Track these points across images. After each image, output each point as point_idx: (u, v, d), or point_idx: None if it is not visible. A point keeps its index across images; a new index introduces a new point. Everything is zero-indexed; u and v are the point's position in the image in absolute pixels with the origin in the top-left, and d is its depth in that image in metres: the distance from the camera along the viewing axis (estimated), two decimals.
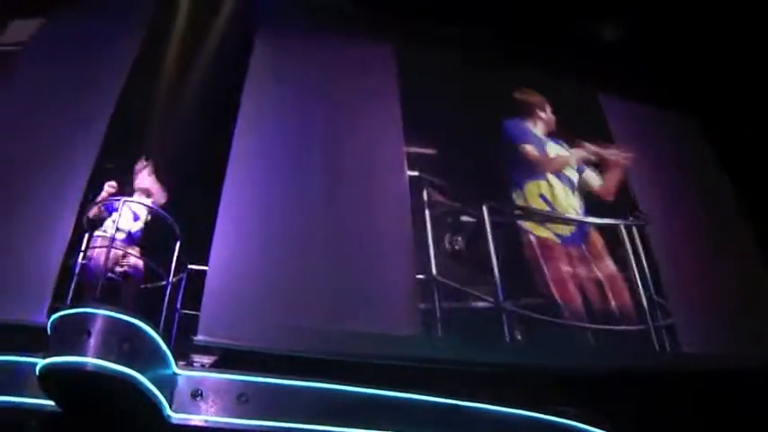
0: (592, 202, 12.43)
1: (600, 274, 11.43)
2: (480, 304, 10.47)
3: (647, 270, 11.64)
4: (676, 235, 12.41)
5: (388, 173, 11.17)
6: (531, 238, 11.44)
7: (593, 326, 10.80)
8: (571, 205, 12.21)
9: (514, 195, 12.00)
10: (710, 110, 14.49)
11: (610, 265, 11.62)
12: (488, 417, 8.78)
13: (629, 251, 11.75)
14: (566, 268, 11.23)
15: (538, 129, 12.92)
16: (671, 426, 10.03)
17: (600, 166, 12.95)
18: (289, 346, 8.77)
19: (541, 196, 12.04)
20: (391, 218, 10.62)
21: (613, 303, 11.17)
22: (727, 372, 10.55)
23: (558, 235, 11.68)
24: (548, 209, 11.95)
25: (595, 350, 10.74)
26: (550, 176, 12.32)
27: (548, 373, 9.86)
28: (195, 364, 8.36)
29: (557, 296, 10.83)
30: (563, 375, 9.88)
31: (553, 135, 12.98)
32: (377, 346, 9.12)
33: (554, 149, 12.70)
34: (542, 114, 13.03)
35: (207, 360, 8.54)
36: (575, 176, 12.56)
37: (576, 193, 12.40)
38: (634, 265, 11.60)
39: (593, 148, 12.97)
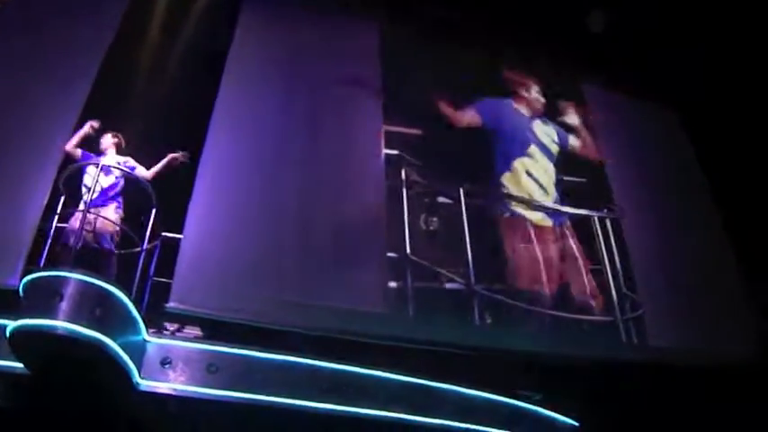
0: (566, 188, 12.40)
1: (572, 260, 11.48)
2: (452, 285, 10.52)
3: (617, 262, 11.67)
4: (648, 228, 12.48)
5: (366, 150, 11.12)
6: (513, 220, 11.47)
7: (562, 314, 10.80)
8: (552, 179, 12.20)
9: (505, 177, 11.95)
10: (690, 104, 14.55)
11: (578, 252, 11.61)
12: (454, 398, 8.91)
13: (602, 243, 11.75)
14: (540, 251, 11.26)
15: (522, 108, 12.87)
16: (635, 416, 10.20)
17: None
18: (259, 317, 8.76)
19: (528, 173, 12.04)
20: (366, 194, 10.60)
21: (585, 291, 11.22)
22: (694, 366, 10.70)
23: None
24: (536, 186, 11.95)
25: (563, 338, 10.77)
26: (533, 150, 12.31)
27: (515, 358, 9.92)
28: (166, 333, 8.37)
29: (527, 282, 10.88)
30: (530, 361, 9.95)
31: (540, 116, 12.93)
32: (347, 322, 9.10)
33: (541, 129, 12.67)
34: (527, 94, 12.98)
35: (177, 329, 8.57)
36: (554, 147, 12.55)
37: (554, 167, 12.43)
38: (605, 257, 11.62)
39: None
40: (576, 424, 10.11)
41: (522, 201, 11.67)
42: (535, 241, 11.26)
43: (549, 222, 11.63)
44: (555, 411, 9.92)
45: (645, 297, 11.41)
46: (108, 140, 9.51)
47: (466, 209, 10.94)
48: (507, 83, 13.09)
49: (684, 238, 12.69)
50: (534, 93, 12.84)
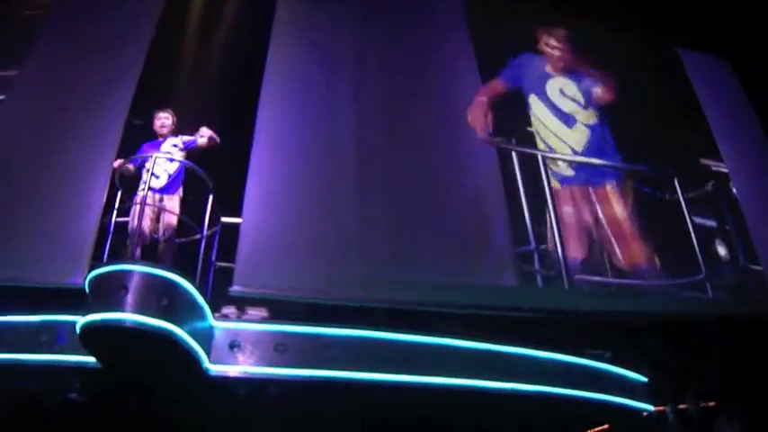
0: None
1: (605, 221, 11.25)
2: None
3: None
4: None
5: (416, 122, 11.09)
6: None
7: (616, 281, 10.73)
8: (568, 139, 11.98)
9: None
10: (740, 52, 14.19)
11: (618, 212, 11.39)
12: (525, 361, 8.85)
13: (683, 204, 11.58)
14: (569, 211, 11.10)
15: (547, 64, 12.67)
16: (703, 370, 10.10)
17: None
18: (323, 294, 8.80)
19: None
20: (421, 168, 10.55)
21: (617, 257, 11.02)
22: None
23: (559, 175, 11.52)
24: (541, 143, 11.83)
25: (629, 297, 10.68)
26: (532, 100, 12.18)
27: (584, 319, 9.86)
28: (231, 316, 8.42)
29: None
30: (598, 321, 9.87)
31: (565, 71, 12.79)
32: (413, 293, 9.08)
33: (555, 85, 12.48)
34: (546, 48, 12.81)
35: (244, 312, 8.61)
36: (569, 105, 12.35)
37: (581, 126, 12.20)
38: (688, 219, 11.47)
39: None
40: (645, 380, 10.02)
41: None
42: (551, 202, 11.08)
43: (557, 185, 11.37)
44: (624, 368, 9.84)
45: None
46: (161, 123, 9.46)
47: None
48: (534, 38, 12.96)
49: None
50: (552, 45, 12.64)
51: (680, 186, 11.66)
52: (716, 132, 13.06)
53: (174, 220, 8.71)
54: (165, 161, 8.98)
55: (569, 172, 11.56)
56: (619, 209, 11.28)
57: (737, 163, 12.69)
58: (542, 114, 12.06)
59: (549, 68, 12.63)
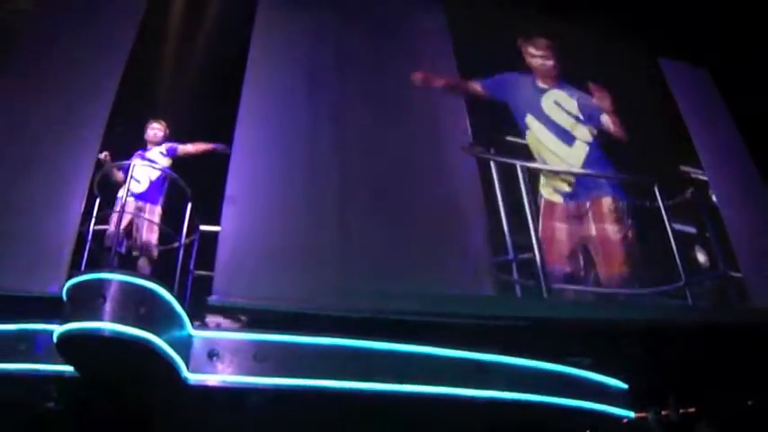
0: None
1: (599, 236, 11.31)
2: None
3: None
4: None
5: (395, 130, 11.10)
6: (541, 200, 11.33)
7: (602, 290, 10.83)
8: (568, 158, 12.00)
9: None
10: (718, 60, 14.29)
11: (613, 229, 11.40)
12: (505, 369, 8.86)
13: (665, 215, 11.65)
14: (561, 226, 11.13)
15: (539, 80, 12.70)
16: (683, 376, 10.16)
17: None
18: (301, 304, 8.82)
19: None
20: (400, 177, 10.56)
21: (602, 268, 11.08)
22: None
23: (559, 192, 11.56)
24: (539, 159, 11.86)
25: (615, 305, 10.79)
26: (530, 120, 12.19)
27: (563, 326, 9.91)
28: (210, 325, 8.40)
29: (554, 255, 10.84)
30: (578, 328, 9.91)
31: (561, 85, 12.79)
32: (390, 303, 9.10)
33: (551, 101, 12.51)
34: (533, 60, 12.84)
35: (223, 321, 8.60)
36: (567, 121, 12.35)
37: (580, 143, 12.21)
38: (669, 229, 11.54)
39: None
40: (625, 386, 10.05)
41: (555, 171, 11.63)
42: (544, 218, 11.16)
43: (558, 199, 11.44)
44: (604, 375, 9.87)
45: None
46: (153, 133, 9.46)
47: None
48: (520, 52, 12.95)
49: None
50: (539, 58, 12.66)
51: (660, 193, 11.69)
52: (695, 140, 13.14)
53: (153, 238, 8.70)
54: (149, 171, 8.98)
55: (567, 188, 11.59)
56: (612, 222, 11.33)
57: (716, 170, 12.79)
58: (541, 134, 12.10)
59: (539, 82, 12.65)
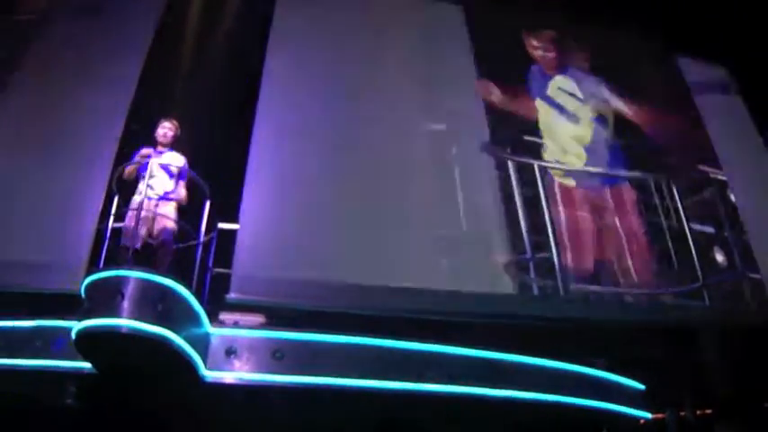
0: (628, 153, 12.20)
1: (620, 228, 11.25)
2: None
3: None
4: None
5: (414, 128, 11.05)
6: (555, 187, 11.27)
7: (619, 290, 10.76)
8: (575, 137, 12.05)
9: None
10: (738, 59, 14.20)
11: (634, 221, 11.38)
12: (522, 369, 8.82)
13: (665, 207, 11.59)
14: (584, 215, 11.10)
15: (545, 67, 12.75)
16: (700, 377, 10.10)
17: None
18: (319, 302, 8.80)
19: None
20: (420, 175, 10.51)
21: (629, 262, 11.01)
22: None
23: (572, 175, 11.55)
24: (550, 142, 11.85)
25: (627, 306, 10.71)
26: (539, 104, 12.20)
27: (581, 327, 9.86)
28: (228, 323, 8.39)
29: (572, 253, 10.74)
30: (596, 328, 9.85)
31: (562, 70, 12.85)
32: (407, 301, 9.11)
33: (556, 86, 12.52)
34: (536, 52, 12.87)
35: (241, 318, 8.58)
36: (572, 104, 12.40)
37: (586, 122, 12.23)
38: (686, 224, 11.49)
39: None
40: (643, 387, 10.00)
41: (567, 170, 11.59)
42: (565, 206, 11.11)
43: (572, 182, 11.43)
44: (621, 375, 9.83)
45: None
46: (164, 132, 9.41)
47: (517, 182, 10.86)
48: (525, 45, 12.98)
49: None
50: (540, 50, 12.71)
51: (678, 193, 11.63)
52: (714, 139, 13.07)
53: (169, 223, 8.67)
54: (163, 173, 8.95)
55: (578, 163, 11.67)
56: (632, 214, 11.35)
57: (736, 170, 12.66)
58: (550, 116, 12.16)
59: (545, 70, 12.66)
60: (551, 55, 12.87)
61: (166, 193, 8.80)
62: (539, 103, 12.24)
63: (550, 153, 11.67)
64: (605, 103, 12.57)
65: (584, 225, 10.94)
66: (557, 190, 11.17)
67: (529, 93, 12.35)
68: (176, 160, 9.02)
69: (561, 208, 10.98)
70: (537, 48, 12.96)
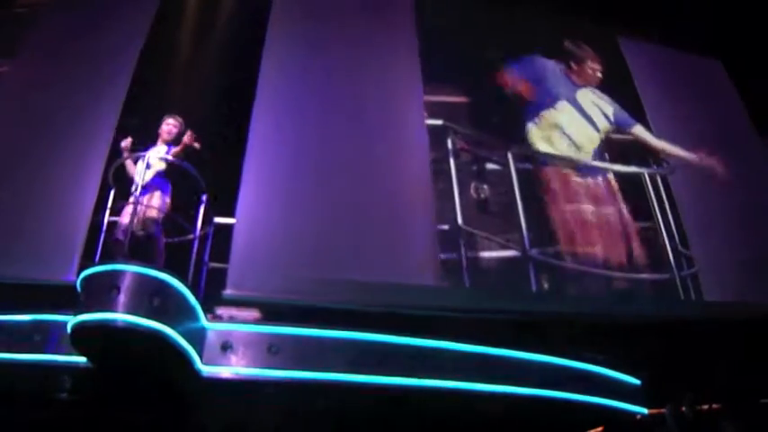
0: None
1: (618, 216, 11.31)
2: (507, 253, 10.39)
3: (671, 219, 11.50)
4: (700, 183, 12.25)
5: (408, 122, 11.00)
6: (555, 180, 11.28)
7: (617, 274, 10.73)
8: (591, 142, 12.00)
9: (530, 128, 11.81)
10: (732, 53, 14.20)
11: (624, 209, 11.41)
12: (518, 364, 8.83)
13: (654, 201, 11.59)
14: (587, 207, 11.12)
15: (573, 75, 12.65)
16: (697, 372, 10.09)
17: None
18: (316, 297, 8.76)
19: (560, 128, 11.90)
20: (412, 168, 10.48)
21: (635, 249, 11.04)
22: (752, 320, 10.52)
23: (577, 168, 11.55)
24: (567, 141, 11.77)
25: (621, 297, 10.69)
26: (563, 105, 12.10)
27: (576, 322, 9.84)
28: (224, 317, 8.38)
29: (578, 242, 10.75)
30: (590, 323, 9.85)
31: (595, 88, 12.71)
32: (402, 297, 9.08)
33: (588, 97, 12.46)
34: (579, 67, 12.75)
35: (236, 313, 8.57)
36: (600, 119, 12.29)
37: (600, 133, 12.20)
38: (658, 214, 11.46)
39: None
40: (638, 382, 10.01)
41: (564, 159, 11.57)
42: (580, 194, 11.13)
43: (579, 179, 11.43)
44: (619, 371, 9.82)
45: (699, 253, 11.23)
46: (168, 129, 9.39)
47: (516, 173, 10.79)
48: (565, 53, 12.86)
49: (737, 190, 12.40)
50: (589, 66, 12.61)
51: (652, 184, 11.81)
52: (707, 132, 13.09)
53: (153, 213, 8.66)
54: (156, 162, 8.95)
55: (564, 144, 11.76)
56: (619, 201, 11.41)
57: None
58: (568, 113, 12.07)
59: (575, 79, 12.58)
60: (599, 76, 12.72)
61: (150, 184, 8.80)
62: (562, 104, 12.14)
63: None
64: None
65: (582, 217, 10.94)
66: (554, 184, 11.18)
67: (544, 89, 12.26)
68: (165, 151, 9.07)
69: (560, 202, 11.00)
70: (594, 69, 12.75)
